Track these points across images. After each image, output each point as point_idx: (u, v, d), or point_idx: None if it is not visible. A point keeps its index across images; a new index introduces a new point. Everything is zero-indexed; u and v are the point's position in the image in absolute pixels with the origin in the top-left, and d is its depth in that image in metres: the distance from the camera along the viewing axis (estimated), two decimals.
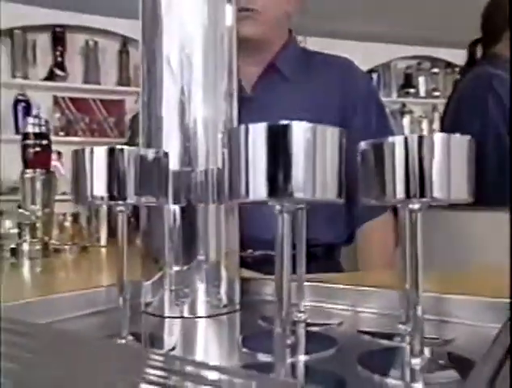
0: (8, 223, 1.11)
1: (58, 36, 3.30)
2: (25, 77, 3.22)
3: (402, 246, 0.40)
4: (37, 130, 1.20)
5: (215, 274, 0.50)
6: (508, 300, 0.43)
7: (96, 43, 3.37)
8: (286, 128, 0.27)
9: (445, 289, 0.48)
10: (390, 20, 3.42)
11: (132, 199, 0.38)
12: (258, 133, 0.28)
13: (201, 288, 0.49)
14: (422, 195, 0.30)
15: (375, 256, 1.04)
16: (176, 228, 0.49)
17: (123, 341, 0.38)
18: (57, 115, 3.28)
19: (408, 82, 3.98)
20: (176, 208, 0.49)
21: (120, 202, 0.38)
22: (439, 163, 0.29)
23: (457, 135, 0.30)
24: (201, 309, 0.49)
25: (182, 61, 0.49)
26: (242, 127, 0.28)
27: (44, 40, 3.30)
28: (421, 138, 0.30)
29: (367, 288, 0.52)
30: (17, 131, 3.04)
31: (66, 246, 1.11)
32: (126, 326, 0.39)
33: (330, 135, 0.28)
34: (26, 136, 1.20)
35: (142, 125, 0.52)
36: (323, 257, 1.00)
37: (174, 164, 0.48)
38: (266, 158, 0.28)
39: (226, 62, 0.51)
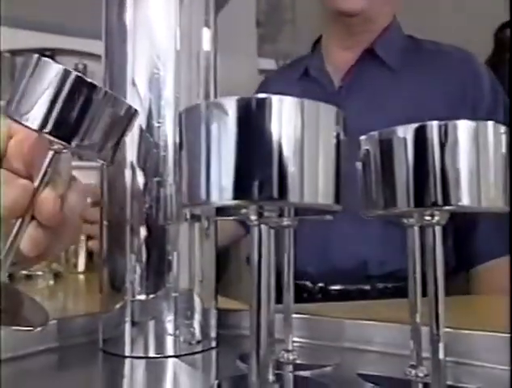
0: None
1: None
2: None
3: (411, 266, 0.33)
4: None
5: (187, 304, 0.42)
6: None
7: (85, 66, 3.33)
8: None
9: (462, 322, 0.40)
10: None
11: None
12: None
13: (169, 320, 0.41)
14: (446, 202, 0.23)
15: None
16: (141, 250, 0.41)
17: None
18: None
19: None
20: (141, 227, 0.41)
21: None
22: (468, 160, 0.22)
23: (490, 122, 0.23)
24: (170, 346, 0.41)
25: (150, 81, 0.42)
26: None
27: None
28: (442, 127, 0.23)
29: (368, 322, 0.44)
30: None
31: (39, 273, 1.01)
32: None
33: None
34: None
35: None
36: None
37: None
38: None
39: (202, 81, 0.45)
